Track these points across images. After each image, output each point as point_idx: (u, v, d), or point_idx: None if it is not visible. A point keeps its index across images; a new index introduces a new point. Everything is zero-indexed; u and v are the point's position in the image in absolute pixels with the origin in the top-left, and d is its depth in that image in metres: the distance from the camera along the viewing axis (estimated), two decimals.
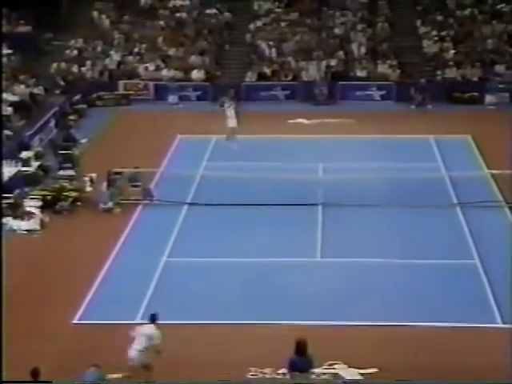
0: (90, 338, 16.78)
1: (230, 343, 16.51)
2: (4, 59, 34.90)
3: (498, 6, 41.25)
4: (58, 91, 36.33)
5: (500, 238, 21.57)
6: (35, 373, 13.34)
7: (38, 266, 20.39)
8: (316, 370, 14.95)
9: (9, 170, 25.46)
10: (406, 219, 23.11)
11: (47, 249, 21.47)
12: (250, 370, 15.36)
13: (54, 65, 38.75)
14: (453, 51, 39.00)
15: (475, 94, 36.41)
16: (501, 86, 36.23)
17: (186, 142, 30.64)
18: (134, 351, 14.66)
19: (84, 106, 35.81)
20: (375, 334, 16.79)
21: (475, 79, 37.60)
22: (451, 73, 37.95)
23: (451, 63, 38.27)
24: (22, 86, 34.51)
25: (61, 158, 27.56)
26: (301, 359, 13.87)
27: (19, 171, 26.14)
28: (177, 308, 17.80)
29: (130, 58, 39.62)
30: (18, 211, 23.19)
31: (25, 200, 23.98)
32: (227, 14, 42.26)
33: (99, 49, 40.24)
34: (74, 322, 17.59)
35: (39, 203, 23.83)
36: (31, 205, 23.63)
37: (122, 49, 40.21)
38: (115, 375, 14.46)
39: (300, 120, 33.61)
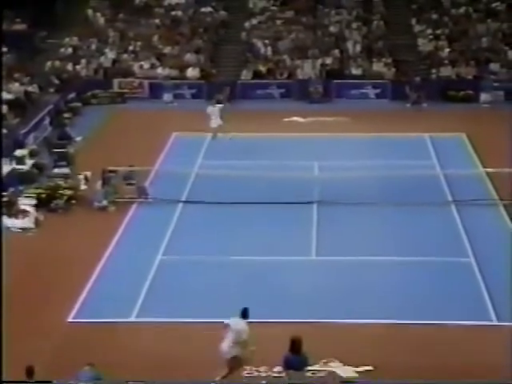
0: (85, 337, 16.74)
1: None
2: None
3: (493, 5, 41.34)
4: (52, 89, 36.32)
5: (495, 235, 21.64)
6: (30, 371, 13.31)
7: (33, 265, 20.33)
8: (311, 368, 14.92)
9: (3, 168, 25.42)
10: (401, 217, 23.11)
11: (42, 247, 21.41)
12: (245, 369, 15.33)
13: (49, 63, 38.74)
14: (448, 49, 39.04)
15: (470, 92, 36.46)
16: (495, 84, 36.25)
17: (181, 140, 30.62)
18: (226, 345, 14.75)
19: (79, 104, 35.78)
20: (370, 332, 16.79)
21: (470, 77, 37.66)
22: (446, 71, 38.00)
23: (446, 61, 38.30)
24: (17, 84, 34.46)
25: (55, 156, 27.52)
26: (296, 357, 13.87)
27: (14, 169, 26.11)
28: (172, 306, 17.79)
29: (125, 56, 39.59)
30: (12, 209, 23.14)
31: (19, 198, 23.92)
32: (222, 12, 42.26)
33: (94, 47, 40.19)
34: (69, 320, 17.54)
35: (34, 201, 23.78)
36: (26, 203, 23.57)
37: (117, 47, 40.17)
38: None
39: (295, 118, 33.60)
